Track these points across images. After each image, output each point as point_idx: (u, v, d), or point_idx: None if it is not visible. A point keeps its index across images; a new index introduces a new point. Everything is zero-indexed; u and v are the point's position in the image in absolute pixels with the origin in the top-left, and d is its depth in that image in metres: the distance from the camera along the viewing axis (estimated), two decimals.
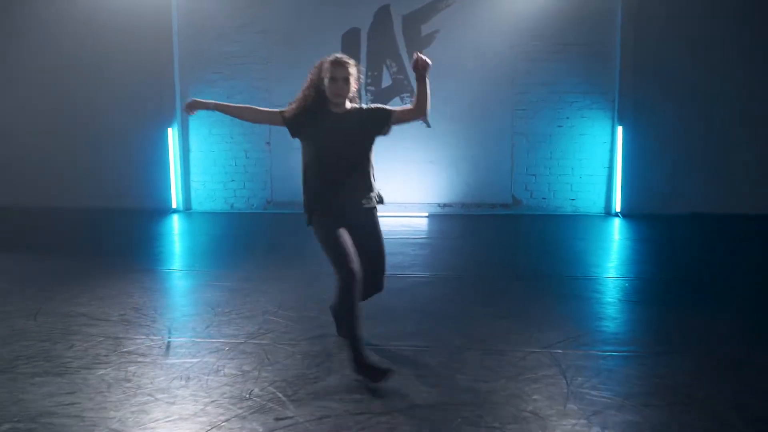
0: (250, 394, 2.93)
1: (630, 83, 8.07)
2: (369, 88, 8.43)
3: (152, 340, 3.68)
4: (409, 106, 3.36)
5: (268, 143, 8.64)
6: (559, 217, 8.24)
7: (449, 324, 3.96)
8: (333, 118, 3.25)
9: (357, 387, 3.00)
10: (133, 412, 2.76)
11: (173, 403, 2.85)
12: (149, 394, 2.94)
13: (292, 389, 2.98)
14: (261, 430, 2.60)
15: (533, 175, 8.49)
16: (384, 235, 3.41)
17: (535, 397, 2.87)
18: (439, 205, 8.59)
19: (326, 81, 3.19)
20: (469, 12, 8.19)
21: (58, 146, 8.86)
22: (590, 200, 8.45)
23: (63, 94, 8.77)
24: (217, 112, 3.57)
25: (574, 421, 2.63)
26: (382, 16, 8.33)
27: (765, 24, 7.91)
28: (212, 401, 2.86)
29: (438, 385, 3.01)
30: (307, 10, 8.36)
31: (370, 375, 2.98)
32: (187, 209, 8.86)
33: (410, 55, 8.32)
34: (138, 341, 3.66)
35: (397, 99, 8.32)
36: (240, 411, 2.76)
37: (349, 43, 8.38)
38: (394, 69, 8.38)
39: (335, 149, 3.22)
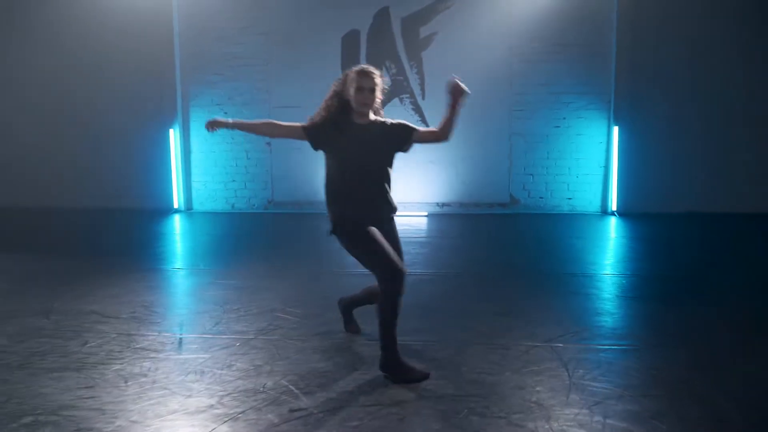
0: (263, 387, 3.03)
1: (625, 84, 8.22)
2: None
3: (164, 336, 3.78)
4: (433, 128, 3.44)
5: (269, 144, 8.73)
6: (557, 216, 8.37)
7: (452, 320, 4.07)
8: (357, 129, 3.29)
9: (366, 380, 3.10)
10: (151, 405, 2.86)
11: (189, 396, 2.95)
12: (165, 388, 3.04)
13: (304, 382, 3.08)
14: (276, 420, 2.70)
15: (531, 174, 8.62)
16: None
17: (538, 388, 2.98)
18: (438, 204, 8.71)
19: (352, 91, 3.23)
20: (467, 14, 8.32)
21: (60, 146, 8.94)
22: (587, 199, 8.58)
23: (64, 94, 8.84)
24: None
25: (576, 411, 2.75)
26: (382, 18, 8.44)
27: (759, 24, 8.05)
28: (227, 394, 2.96)
29: (444, 377, 3.12)
30: (308, 12, 8.47)
31: (407, 375, 3.04)
32: (188, 209, 8.95)
33: (409, 57, 8.45)
34: (150, 338, 3.76)
35: (396, 100, 8.43)
36: (255, 403, 2.86)
37: (349, 45, 8.49)
38: (394, 70, 8.49)
39: (359, 159, 3.26)
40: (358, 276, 5.02)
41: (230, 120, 3.43)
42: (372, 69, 3.31)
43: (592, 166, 8.52)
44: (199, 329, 3.91)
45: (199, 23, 8.59)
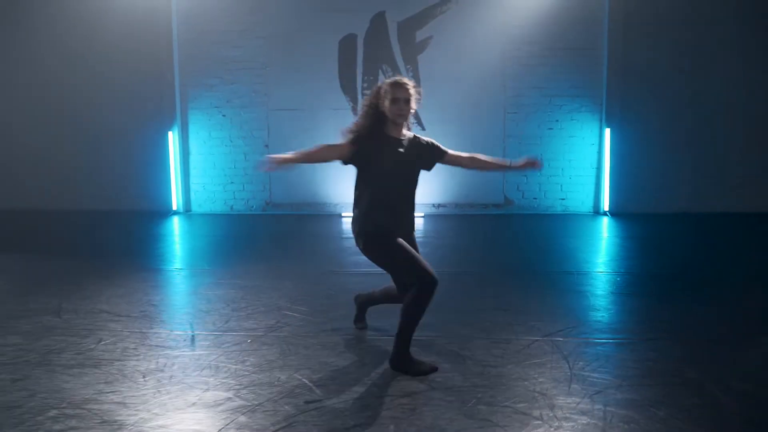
0: (278, 380, 3.15)
1: (617, 87, 8.42)
2: (365, 92, 8.67)
3: (176, 334, 3.89)
4: (465, 155, 3.52)
5: (267, 146, 8.84)
6: (550, 216, 8.55)
7: (454, 316, 4.20)
8: (392, 143, 3.35)
9: (376, 373, 3.24)
10: (170, 399, 2.97)
11: (207, 390, 3.06)
12: (183, 382, 3.15)
13: (317, 376, 3.21)
14: (293, 411, 2.82)
15: (524, 175, 8.79)
16: None
17: (541, 379, 3.13)
18: (433, 205, 8.86)
19: (386, 103, 3.28)
20: (462, 19, 8.48)
21: (58, 149, 9.00)
22: (579, 200, 8.77)
23: (63, 97, 8.90)
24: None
25: (578, 399, 2.90)
26: (378, 22, 8.58)
27: (749, 26, 8.27)
28: (243, 387, 3.08)
29: (451, 370, 3.26)
30: (306, 17, 8.59)
31: (417, 368, 3.18)
32: (187, 211, 9.04)
33: (405, 60, 8.59)
34: (163, 335, 3.87)
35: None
36: (271, 395, 2.98)
37: (346, 49, 8.63)
38: (390, 73, 8.63)
39: (396, 173, 3.33)
40: (359, 275, 5.19)
41: (291, 156, 3.20)
42: (406, 80, 3.35)
43: (585, 168, 8.71)
44: (210, 327, 4.02)
45: (198, 26, 8.69)
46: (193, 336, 3.84)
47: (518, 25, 8.43)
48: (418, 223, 8.11)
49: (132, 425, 2.70)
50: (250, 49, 8.72)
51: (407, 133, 3.47)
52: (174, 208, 8.90)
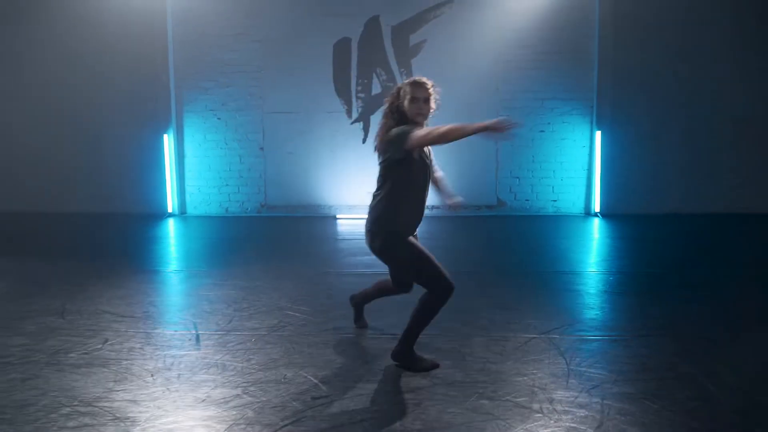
0: (284, 378, 3.23)
1: (607, 90, 8.58)
2: (359, 95, 8.77)
3: (181, 333, 3.95)
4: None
5: (262, 148, 8.91)
6: (542, 217, 8.68)
7: (453, 315, 4.27)
8: None
9: (380, 370, 3.33)
10: (180, 396, 3.04)
11: (215, 387, 3.14)
12: (190, 380, 3.23)
13: (322, 373, 3.29)
14: (301, 407, 2.91)
15: (517, 177, 8.92)
16: None
17: (539, 375, 3.24)
18: (427, 207, 8.93)
19: (406, 103, 3.28)
20: (456, 23, 8.60)
21: (53, 152, 9.00)
22: (571, 201, 8.91)
23: (59, 100, 8.91)
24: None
25: (576, 393, 3.00)
26: (372, 26, 8.68)
27: (738, 29, 8.43)
28: (251, 384, 3.16)
29: (452, 366, 3.36)
30: (301, 21, 8.67)
31: (419, 364, 3.28)
32: (182, 213, 9.07)
33: (399, 64, 8.69)
34: (167, 335, 3.93)
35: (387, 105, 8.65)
36: (278, 392, 3.06)
37: (341, 52, 8.71)
38: (384, 77, 8.73)
39: (423, 173, 3.34)
40: (357, 275, 5.27)
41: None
42: (425, 79, 3.34)
43: (576, 169, 8.86)
44: (213, 326, 4.09)
45: (194, 30, 8.73)
46: (197, 335, 3.91)
47: (511, 29, 8.57)
48: None
49: (144, 422, 2.77)
50: (245, 52, 8.78)
51: None
52: (169, 210, 8.94)
